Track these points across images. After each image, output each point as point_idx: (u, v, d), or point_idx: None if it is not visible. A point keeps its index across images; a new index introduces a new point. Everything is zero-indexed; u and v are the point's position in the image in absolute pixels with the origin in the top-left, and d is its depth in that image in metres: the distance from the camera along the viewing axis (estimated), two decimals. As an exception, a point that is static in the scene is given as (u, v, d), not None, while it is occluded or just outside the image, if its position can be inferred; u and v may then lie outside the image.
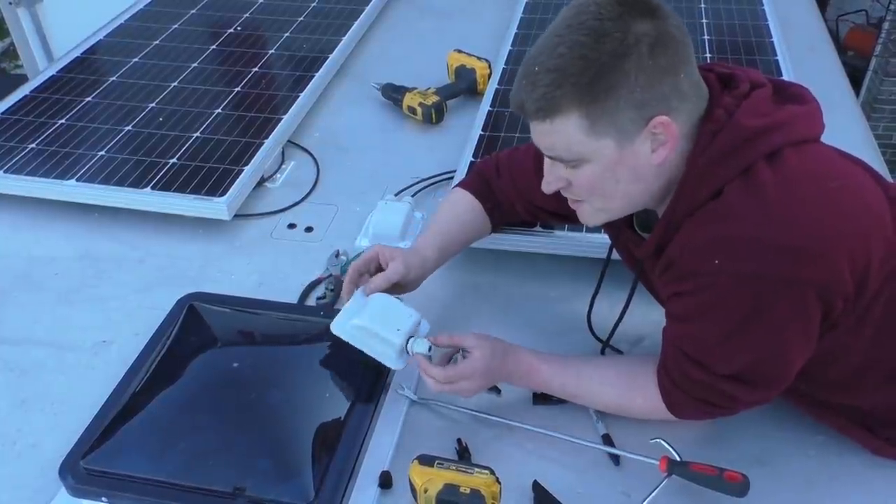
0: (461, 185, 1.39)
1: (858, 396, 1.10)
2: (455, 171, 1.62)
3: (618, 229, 1.18)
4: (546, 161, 1.07)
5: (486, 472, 1.02)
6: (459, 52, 2.00)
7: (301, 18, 2.28)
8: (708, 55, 1.99)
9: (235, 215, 1.59)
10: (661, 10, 0.97)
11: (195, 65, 2.05)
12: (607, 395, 1.16)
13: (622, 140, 0.98)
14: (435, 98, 1.88)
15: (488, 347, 1.13)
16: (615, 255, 1.25)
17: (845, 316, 0.99)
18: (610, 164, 1.00)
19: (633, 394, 1.13)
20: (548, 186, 1.08)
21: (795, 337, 0.99)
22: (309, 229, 1.60)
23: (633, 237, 1.15)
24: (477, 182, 1.37)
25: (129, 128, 1.78)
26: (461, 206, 1.35)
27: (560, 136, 0.99)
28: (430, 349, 1.14)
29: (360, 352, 1.16)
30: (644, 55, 0.94)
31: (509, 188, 1.33)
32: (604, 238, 1.37)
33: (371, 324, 1.15)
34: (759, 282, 0.95)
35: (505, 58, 2.02)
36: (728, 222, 0.97)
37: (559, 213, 1.27)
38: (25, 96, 1.92)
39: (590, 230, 1.41)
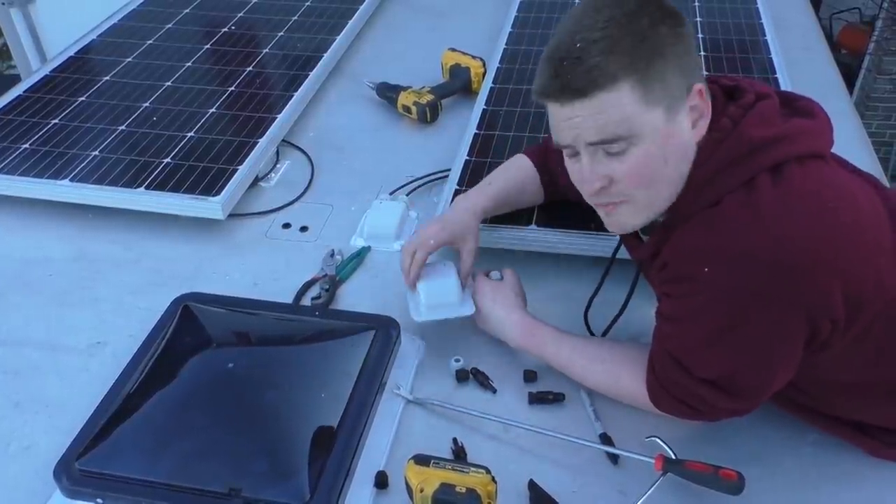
0: (526, 152, 1.43)
1: (857, 411, 1.10)
2: (450, 170, 1.62)
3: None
4: (584, 159, 1.02)
5: (482, 471, 1.02)
6: (454, 50, 2.00)
7: (295, 17, 2.27)
8: (702, 54, 1.99)
9: (230, 215, 1.59)
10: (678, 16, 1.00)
11: (189, 64, 2.04)
12: (596, 372, 1.18)
13: (671, 109, 0.98)
14: (430, 97, 1.88)
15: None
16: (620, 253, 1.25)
17: (837, 337, 0.98)
18: (660, 139, 0.98)
19: (620, 374, 1.15)
20: (591, 186, 1.03)
21: (777, 353, 0.99)
22: (304, 229, 1.60)
23: (633, 240, 1.16)
24: (539, 155, 1.41)
25: (122, 127, 1.77)
26: (522, 172, 1.40)
27: (612, 110, 0.96)
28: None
29: (356, 350, 1.17)
30: (673, 28, 0.98)
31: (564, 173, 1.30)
32: (602, 237, 1.37)
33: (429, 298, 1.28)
34: (746, 295, 0.95)
35: (499, 56, 2.02)
36: (722, 233, 0.96)
37: None
38: (18, 96, 1.91)
39: (587, 228, 1.41)
